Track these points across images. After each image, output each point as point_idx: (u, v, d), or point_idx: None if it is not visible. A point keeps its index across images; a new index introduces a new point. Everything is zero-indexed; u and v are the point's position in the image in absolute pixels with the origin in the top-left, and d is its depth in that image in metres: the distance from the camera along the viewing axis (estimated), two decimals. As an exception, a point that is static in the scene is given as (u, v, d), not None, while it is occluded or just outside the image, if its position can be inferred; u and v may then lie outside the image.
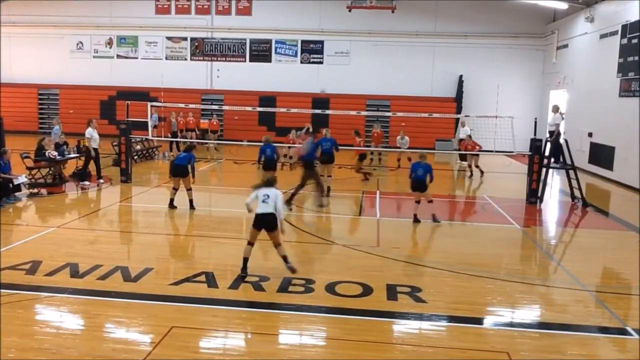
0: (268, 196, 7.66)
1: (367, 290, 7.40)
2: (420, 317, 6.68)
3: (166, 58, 28.20)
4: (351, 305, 6.95)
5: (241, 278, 7.62)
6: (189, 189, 12.00)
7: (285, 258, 7.80)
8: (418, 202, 11.56)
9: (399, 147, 19.58)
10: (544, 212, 13.57)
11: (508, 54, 26.49)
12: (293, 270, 7.77)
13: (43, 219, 11.36)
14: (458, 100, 26.39)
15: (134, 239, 10.21)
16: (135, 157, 18.53)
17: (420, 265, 8.77)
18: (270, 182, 7.93)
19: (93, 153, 14.65)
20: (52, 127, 16.82)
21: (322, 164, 14.12)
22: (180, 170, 11.79)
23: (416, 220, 11.39)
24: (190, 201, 12.01)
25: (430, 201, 11.60)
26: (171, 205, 11.97)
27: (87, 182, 14.53)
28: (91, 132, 14.70)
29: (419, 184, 11.48)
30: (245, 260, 7.78)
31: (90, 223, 10.99)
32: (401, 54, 26.96)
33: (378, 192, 15.11)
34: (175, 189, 11.97)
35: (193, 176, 11.92)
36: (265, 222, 7.64)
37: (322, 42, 27.49)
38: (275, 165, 13.45)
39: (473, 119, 19.86)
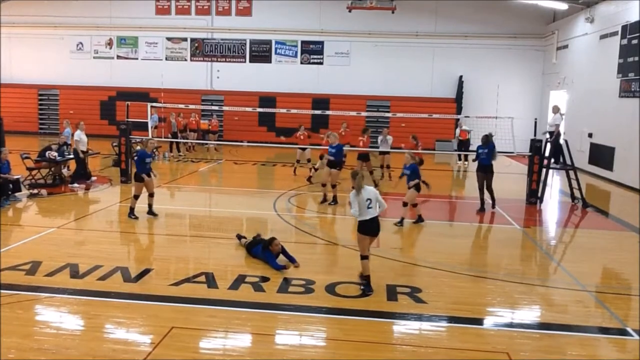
0: (370, 200, 7.25)
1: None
2: (420, 317, 6.68)
3: (166, 58, 28.19)
4: (351, 305, 6.94)
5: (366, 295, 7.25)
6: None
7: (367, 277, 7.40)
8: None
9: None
10: (544, 213, 13.57)
11: (508, 54, 26.49)
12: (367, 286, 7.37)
13: (43, 220, 11.36)
14: (458, 100, 26.39)
15: (134, 239, 10.21)
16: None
17: (420, 265, 8.77)
18: (360, 183, 7.34)
19: (81, 155, 14.70)
20: (64, 130, 16.96)
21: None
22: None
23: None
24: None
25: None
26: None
27: (76, 185, 14.40)
28: (79, 135, 14.72)
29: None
30: (368, 277, 7.36)
31: (91, 223, 10.99)
32: (401, 54, 26.96)
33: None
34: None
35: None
36: (376, 227, 7.34)
37: (322, 43, 27.50)
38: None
39: (473, 119, 19.86)
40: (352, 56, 27.44)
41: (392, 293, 7.38)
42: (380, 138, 17.14)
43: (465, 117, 20.95)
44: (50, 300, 6.80)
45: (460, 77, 26.70)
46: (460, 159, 21.81)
